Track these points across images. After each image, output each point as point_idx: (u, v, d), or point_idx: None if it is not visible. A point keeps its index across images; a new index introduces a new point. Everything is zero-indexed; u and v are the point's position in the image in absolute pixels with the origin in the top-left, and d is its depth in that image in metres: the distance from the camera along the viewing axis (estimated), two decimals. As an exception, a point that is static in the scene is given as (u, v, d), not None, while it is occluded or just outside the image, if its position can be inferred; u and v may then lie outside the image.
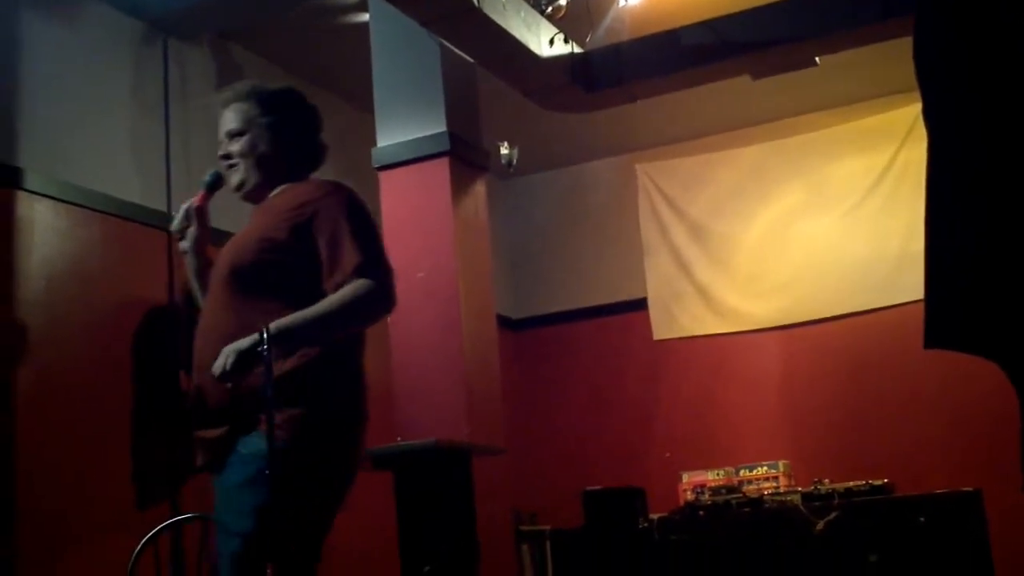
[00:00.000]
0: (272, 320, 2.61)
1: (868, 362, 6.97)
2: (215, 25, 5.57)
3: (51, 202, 4.59)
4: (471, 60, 5.51)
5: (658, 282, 7.64)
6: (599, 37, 5.93)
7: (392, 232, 5.16)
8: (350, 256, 2.75)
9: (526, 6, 5.42)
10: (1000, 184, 1.90)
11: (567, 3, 5.53)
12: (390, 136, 5.29)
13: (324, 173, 6.48)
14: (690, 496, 6.64)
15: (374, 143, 5.32)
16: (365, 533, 5.38)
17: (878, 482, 6.11)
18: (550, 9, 5.54)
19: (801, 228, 7.33)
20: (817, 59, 5.99)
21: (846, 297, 7.10)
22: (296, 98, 3.14)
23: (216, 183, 3.10)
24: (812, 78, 6.42)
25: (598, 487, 6.41)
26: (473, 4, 4.89)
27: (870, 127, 7.19)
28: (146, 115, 5.17)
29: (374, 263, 2.78)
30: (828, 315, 7.15)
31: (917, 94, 2.04)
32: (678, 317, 7.57)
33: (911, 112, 6.58)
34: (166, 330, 4.95)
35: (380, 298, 2.77)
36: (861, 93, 7.10)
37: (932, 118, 2.01)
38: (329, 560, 4.93)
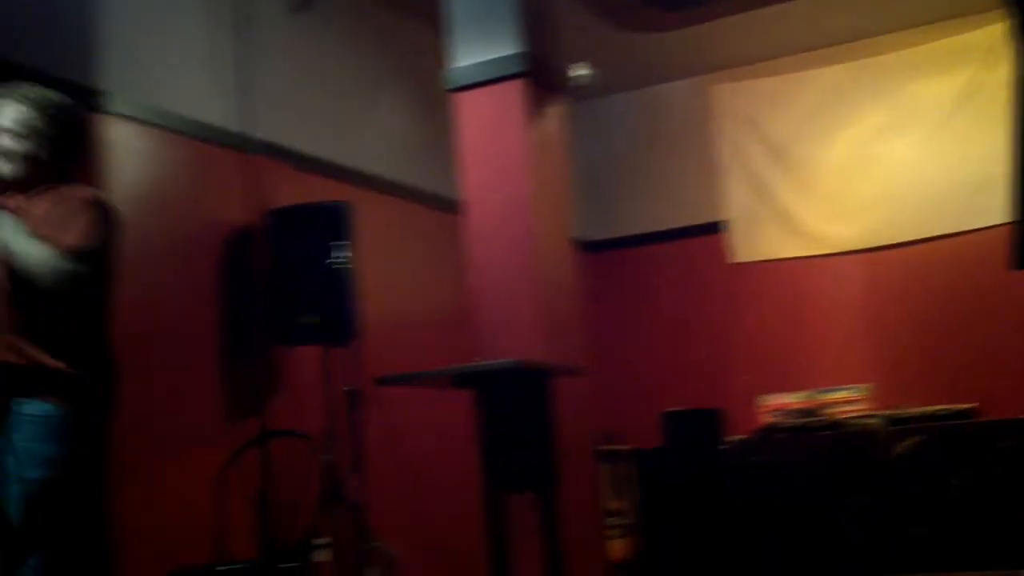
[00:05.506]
0: None
1: (951, 286, 6.87)
2: (289, -52, 5.56)
3: (132, 125, 4.64)
4: (547, -21, 5.42)
5: (736, 205, 7.56)
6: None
7: (467, 155, 5.13)
8: None
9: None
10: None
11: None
12: (464, 57, 5.23)
13: (395, 95, 6.43)
14: (770, 418, 6.62)
15: (446, 66, 5.28)
16: (443, 452, 5.45)
17: (960, 407, 6.04)
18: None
19: (882, 150, 7.20)
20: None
21: (928, 220, 6.98)
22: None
23: None
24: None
25: (677, 408, 6.40)
26: (550, -80, 4.81)
27: (950, 47, 7.02)
28: (221, 37, 5.18)
29: None
30: (910, 238, 7.05)
31: (998, 14, 1.98)
32: (757, 240, 7.49)
33: (991, 32, 6.41)
34: (247, 249, 5.01)
35: None
36: (940, 13, 6.95)
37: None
38: (412, 477, 5.00)
